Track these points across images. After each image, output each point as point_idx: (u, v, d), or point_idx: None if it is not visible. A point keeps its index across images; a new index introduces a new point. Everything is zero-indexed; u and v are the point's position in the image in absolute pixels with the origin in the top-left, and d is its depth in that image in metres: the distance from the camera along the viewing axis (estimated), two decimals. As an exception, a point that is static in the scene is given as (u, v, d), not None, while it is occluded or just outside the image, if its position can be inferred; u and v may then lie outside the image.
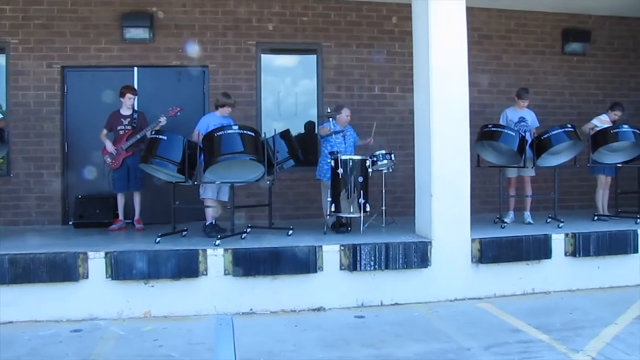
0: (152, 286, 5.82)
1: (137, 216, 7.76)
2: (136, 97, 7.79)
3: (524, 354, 4.66)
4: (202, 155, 6.40)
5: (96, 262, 5.75)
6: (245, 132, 6.33)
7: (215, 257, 5.88)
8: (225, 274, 5.88)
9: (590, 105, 9.67)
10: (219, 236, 6.28)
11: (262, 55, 9.04)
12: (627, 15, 9.93)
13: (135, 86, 8.18)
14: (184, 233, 6.80)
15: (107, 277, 5.75)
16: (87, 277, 5.74)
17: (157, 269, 5.77)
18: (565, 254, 6.73)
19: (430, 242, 6.31)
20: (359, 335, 5.21)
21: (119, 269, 5.73)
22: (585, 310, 5.90)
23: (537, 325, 5.38)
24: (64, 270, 5.68)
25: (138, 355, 4.75)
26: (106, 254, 5.76)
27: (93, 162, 8.10)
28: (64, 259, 5.69)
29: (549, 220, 7.58)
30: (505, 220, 7.68)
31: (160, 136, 6.52)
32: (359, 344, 4.95)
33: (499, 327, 5.44)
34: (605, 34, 10.07)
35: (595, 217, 7.98)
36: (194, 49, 8.59)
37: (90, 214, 8.05)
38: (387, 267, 6.13)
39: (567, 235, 6.74)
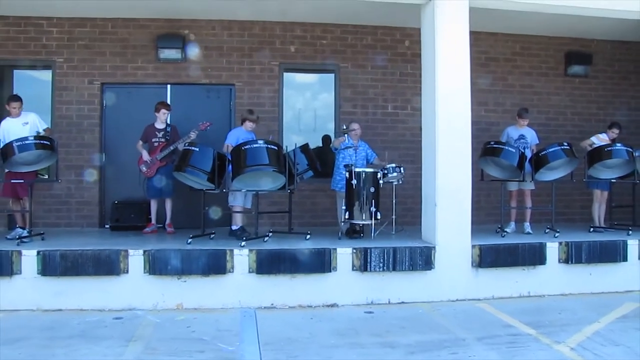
0: (185, 281, 6.54)
1: (168, 220, 8.50)
2: (170, 112, 8.53)
3: (512, 344, 5.31)
4: (230, 166, 7.14)
5: (135, 259, 6.49)
6: (269, 146, 7.10)
7: (241, 256, 6.60)
8: (249, 272, 6.60)
9: (592, 124, 10.22)
10: (244, 238, 7.00)
11: (285, 74, 9.78)
12: (628, 39, 10.49)
13: (169, 102, 8.94)
14: (212, 236, 7.53)
15: (144, 272, 6.49)
16: (127, 271, 6.48)
17: (189, 266, 6.50)
18: (559, 261, 7.35)
19: (434, 247, 6.97)
20: (368, 327, 5.90)
21: (155, 265, 6.47)
22: (574, 311, 6.52)
23: (528, 322, 6.01)
24: (108, 265, 6.43)
25: (174, 338, 5.47)
26: (144, 251, 6.51)
27: (128, 170, 8.86)
28: (108, 255, 6.44)
29: (547, 230, 8.17)
30: (507, 230, 8.30)
31: (193, 148, 7.29)
32: (368, 334, 5.64)
33: (493, 323, 6.08)
34: (607, 56, 10.67)
35: (591, 229, 8.56)
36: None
37: (126, 218, 8.81)
38: (394, 269, 6.81)
39: (560, 243, 7.37)
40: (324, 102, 10.05)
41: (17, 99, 7.67)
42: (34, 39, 9.18)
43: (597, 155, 8.37)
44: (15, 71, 9.47)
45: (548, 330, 5.73)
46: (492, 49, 10.22)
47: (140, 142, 8.42)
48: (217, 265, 6.54)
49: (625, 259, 7.51)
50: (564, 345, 5.21)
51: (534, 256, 7.26)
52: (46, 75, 9.39)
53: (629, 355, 4.96)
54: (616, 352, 5.04)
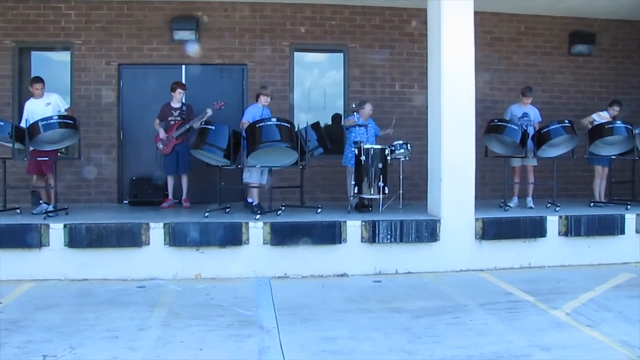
0: (203, 252, 6.93)
1: (184, 196, 8.87)
2: (185, 91, 8.85)
3: (511, 310, 5.68)
4: (245, 143, 7.49)
5: (156, 231, 6.87)
6: (282, 123, 7.45)
7: (256, 229, 6.97)
8: (264, 243, 6.97)
9: (595, 102, 10.42)
10: (259, 211, 7.37)
11: (295, 53, 10.07)
12: (631, 18, 10.68)
13: (184, 82, 9.24)
14: (227, 210, 7.89)
15: (165, 244, 6.88)
16: (148, 243, 6.87)
17: (207, 238, 6.88)
18: (559, 234, 7.68)
19: (439, 220, 7.32)
20: (376, 294, 6.28)
21: (175, 237, 6.85)
22: (571, 281, 6.86)
23: (527, 290, 6.36)
24: (130, 237, 6.82)
25: (195, 304, 5.87)
26: (165, 224, 6.89)
27: (145, 148, 9.22)
28: (130, 228, 6.83)
29: (548, 205, 8.47)
30: (510, 204, 8.63)
31: (209, 126, 7.64)
32: (375, 300, 6.02)
33: (494, 291, 6.45)
34: (610, 36, 10.88)
35: (592, 204, 8.88)
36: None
37: (144, 193, 9.18)
38: (401, 241, 7.17)
39: (560, 217, 7.70)
40: (333, 81, 10.35)
41: (40, 80, 8.00)
42: (53, 21, 9.49)
43: (598, 132, 8.65)
44: (32, 53, 9.79)
45: (546, 297, 6.07)
46: (497, 28, 10.46)
47: (157, 121, 8.75)
48: (233, 237, 6.91)
49: (622, 232, 7.83)
50: (559, 311, 5.57)
51: (535, 229, 7.59)
52: (63, 57, 9.72)
53: (619, 319, 5.31)
54: (608, 316, 5.39)
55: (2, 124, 7.52)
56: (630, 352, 4.44)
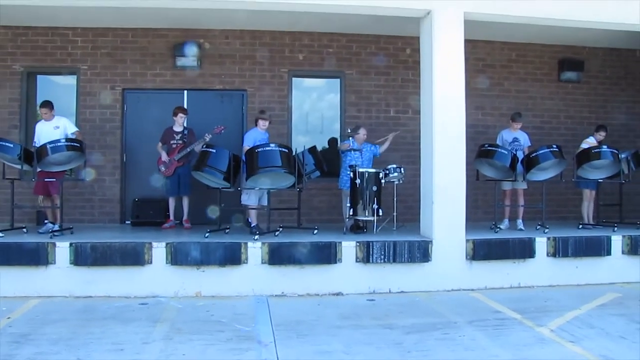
0: (203, 271, 7.19)
1: (185, 217, 9.15)
2: (186, 116, 9.17)
3: (498, 326, 5.93)
4: (244, 167, 7.79)
5: (159, 250, 7.14)
6: (280, 149, 7.76)
7: (254, 249, 7.24)
8: (262, 263, 7.24)
9: (584, 127, 10.75)
10: (257, 232, 7.65)
11: (293, 79, 10.43)
12: (618, 46, 11.08)
13: (185, 107, 9.58)
14: (227, 230, 8.16)
15: (167, 263, 7.14)
16: (151, 262, 7.13)
17: (207, 257, 7.14)
18: (547, 255, 7.95)
19: (432, 241, 7.60)
20: (369, 312, 6.54)
21: (177, 256, 7.11)
22: (558, 300, 7.11)
23: (515, 309, 6.62)
24: (133, 256, 7.08)
25: (196, 320, 6.12)
26: (167, 244, 7.16)
27: (148, 170, 9.52)
28: (134, 247, 7.10)
29: (538, 227, 8.74)
30: (500, 226, 8.91)
31: (211, 149, 7.94)
32: (369, 317, 6.28)
33: (483, 309, 6.70)
34: (598, 63, 11.27)
35: (580, 226, 9.16)
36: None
37: (146, 214, 9.46)
38: (394, 261, 7.43)
39: (549, 238, 7.97)
40: (330, 106, 10.70)
41: (47, 104, 8.30)
42: (60, 47, 9.87)
43: (585, 156, 8.97)
44: (38, 77, 10.14)
45: (533, 315, 6.33)
46: (489, 56, 10.84)
47: (160, 144, 9.06)
48: (232, 257, 7.18)
49: (609, 253, 8.10)
50: (545, 328, 5.82)
51: (524, 250, 7.87)
52: (67, 80, 10.11)
53: (600, 335, 5.57)
54: (590, 333, 5.65)
55: (12, 145, 7.84)
56: (608, 365, 4.70)
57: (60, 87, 10.28)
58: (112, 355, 4.91)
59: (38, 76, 10.11)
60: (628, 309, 6.61)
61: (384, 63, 10.48)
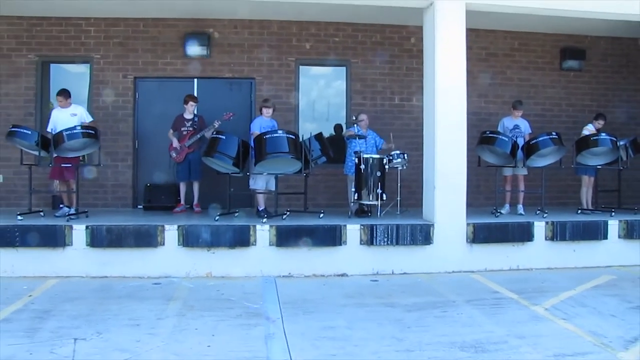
0: (213, 253, 7.50)
1: (196, 201, 9.45)
2: (197, 104, 9.45)
3: (495, 305, 6.23)
4: (253, 152, 8.08)
5: (171, 233, 7.45)
6: (288, 135, 8.05)
7: (263, 231, 7.54)
8: (270, 245, 7.54)
9: (585, 115, 10.94)
10: (265, 215, 7.95)
11: (301, 67, 10.69)
12: (619, 35, 11.24)
13: (195, 94, 9.85)
14: (236, 214, 8.46)
15: (178, 245, 7.45)
16: (163, 244, 7.44)
17: (217, 240, 7.46)
18: (546, 238, 8.22)
19: (433, 225, 7.88)
20: (373, 291, 6.84)
21: (188, 238, 7.43)
22: (555, 281, 7.39)
23: (513, 289, 6.90)
24: (147, 238, 7.40)
25: (207, 298, 6.43)
26: (179, 226, 7.47)
27: (159, 156, 9.83)
28: (147, 229, 7.41)
29: (537, 212, 9.00)
30: (501, 211, 9.17)
31: (220, 136, 8.23)
32: (372, 296, 6.58)
33: (482, 289, 7.00)
34: (600, 52, 11.45)
35: (579, 211, 9.41)
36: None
37: (157, 199, 9.78)
38: (397, 243, 7.73)
39: (547, 222, 8.24)
40: (336, 94, 10.97)
41: (61, 93, 8.57)
42: (74, 37, 10.15)
43: (584, 143, 9.21)
44: (52, 66, 10.42)
45: (529, 295, 6.61)
46: (491, 45, 11.05)
47: (171, 131, 9.36)
48: (241, 239, 7.49)
49: (605, 237, 8.36)
50: (539, 307, 6.11)
51: (523, 233, 8.14)
52: (78, 69, 10.40)
53: (592, 314, 5.85)
54: (582, 311, 5.93)
55: (30, 132, 8.15)
56: (596, 340, 4.98)
57: (70, 75, 10.54)
58: (129, 330, 5.22)
59: (52, 65, 10.37)
60: (621, 290, 6.88)
61: (388, 52, 10.70)
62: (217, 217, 7.97)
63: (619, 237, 8.43)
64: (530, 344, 4.89)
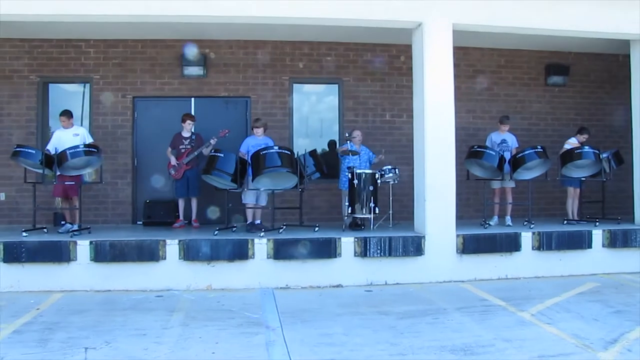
0: (213, 266, 7.78)
1: (194, 216, 9.74)
2: (194, 122, 9.76)
3: (484, 312, 6.53)
4: (250, 169, 8.39)
5: (172, 247, 7.74)
6: (283, 151, 8.39)
7: (260, 245, 7.84)
8: (267, 258, 7.84)
9: (570, 128, 11.27)
10: (263, 229, 8.26)
11: (294, 85, 11.04)
12: (602, 52, 11.65)
13: (192, 113, 10.17)
14: (234, 229, 8.75)
15: (179, 259, 7.73)
16: (165, 258, 7.72)
17: (217, 253, 7.75)
18: (532, 248, 8.55)
19: (424, 237, 8.19)
20: (367, 301, 7.14)
21: (189, 252, 7.71)
22: (541, 289, 7.70)
23: (501, 297, 7.21)
24: (149, 253, 7.68)
25: (208, 309, 6.71)
26: (179, 241, 7.76)
27: (158, 173, 10.13)
28: (149, 244, 7.70)
29: (525, 223, 9.32)
30: (490, 223, 9.49)
31: (219, 154, 8.54)
32: (366, 306, 6.87)
33: (471, 298, 7.30)
34: (583, 68, 11.86)
35: (565, 222, 9.75)
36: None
37: (156, 215, 10.04)
38: (390, 255, 8.04)
39: (534, 233, 8.57)
40: (329, 111, 11.30)
41: (64, 113, 8.90)
42: (74, 58, 10.47)
43: (569, 156, 9.56)
44: (52, 86, 10.72)
45: (516, 302, 6.92)
46: (479, 62, 11.44)
47: (170, 149, 9.66)
48: (240, 252, 7.78)
49: (590, 246, 8.71)
50: (526, 313, 6.42)
51: (511, 244, 8.47)
52: (78, 89, 10.71)
53: (575, 318, 6.17)
54: (567, 316, 6.25)
55: (34, 152, 8.44)
56: (578, 342, 5.29)
57: (68, 95, 10.81)
58: (136, 339, 5.49)
59: (52, 85, 10.66)
60: (604, 296, 7.22)
61: (379, 70, 11.06)
62: (215, 232, 8.25)
63: (603, 246, 8.78)
64: (516, 346, 5.19)
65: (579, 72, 11.84)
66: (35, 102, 10.45)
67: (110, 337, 5.55)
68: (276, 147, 8.48)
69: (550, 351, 5.06)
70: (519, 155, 9.30)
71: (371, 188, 8.76)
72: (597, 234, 8.78)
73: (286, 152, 8.46)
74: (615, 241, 8.74)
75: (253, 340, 5.49)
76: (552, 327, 5.81)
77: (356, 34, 10.33)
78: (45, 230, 8.62)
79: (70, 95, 10.83)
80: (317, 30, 9.87)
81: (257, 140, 9.15)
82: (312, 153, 8.96)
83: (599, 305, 6.72)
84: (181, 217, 9.76)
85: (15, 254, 7.51)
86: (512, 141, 9.85)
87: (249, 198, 9.03)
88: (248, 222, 9.01)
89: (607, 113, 11.85)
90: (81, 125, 10.02)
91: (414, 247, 8.11)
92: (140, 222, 10.29)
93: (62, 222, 9.08)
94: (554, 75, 11.64)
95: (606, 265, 8.70)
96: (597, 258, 8.73)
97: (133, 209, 10.57)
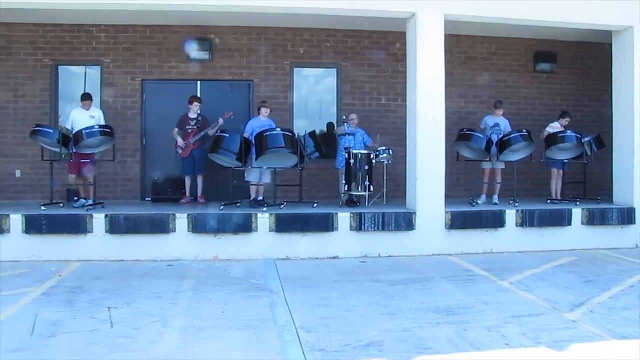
0: (219, 238, 8.41)
1: (200, 193, 10.33)
2: (201, 104, 10.32)
3: (468, 280, 7.18)
4: (254, 148, 8.98)
5: (181, 220, 8.35)
6: (285, 132, 8.99)
7: (263, 219, 8.46)
8: (270, 231, 8.47)
9: (557, 113, 11.65)
10: (265, 204, 8.88)
11: (295, 69, 11.60)
12: (588, 40, 12.17)
13: (199, 96, 10.72)
14: (238, 204, 9.35)
15: (188, 231, 8.35)
16: (175, 230, 8.34)
17: (223, 226, 8.37)
18: (516, 225, 9.18)
19: (415, 213, 8.82)
20: (361, 270, 7.79)
21: (197, 225, 8.33)
22: (522, 262, 8.32)
23: (484, 268, 7.85)
24: (160, 225, 8.30)
25: (216, 276, 7.34)
26: (188, 215, 8.37)
27: (165, 152, 10.71)
28: (160, 217, 8.31)
29: (510, 202, 9.94)
30: (477, 201, 10.11)
31: (224, 134, 9.12)
32: (361, 274, 7.52)
33: (458, 268, 7.95)
34: (570, 55, 12.41)
35: (548, 201, 10.38)
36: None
37: (164, 191, 10.65)
38: (383, 229, 8.67)
39: (517, 210, 9.20)
40: (328, 94, 11.86)
41: (86, 97, 9.48)
42: (86, 42, 10.99)
43: (553, 140, 10.16)
44: (64, 68, 11.26)
45: (498, 273, 7.56)
46: (471, 49, 11.99)
47: (176, 129, 10.19)
48: (244, 226, 8.41)
49: (570, 223, 9.34)
50: (505, 281, 7.07)
51: (495, 220, 9.11)
52: (85, 71, 11.24)
53: (550, 286, 6.81)
54: (542, 284, 6.89)
55: (52, 131, 9.02)
56: (549, 305, 5.94)
57: (77, 77, 11.32)
58: (153, 300, 6.11)
59: (64, 68, 11.19)
60: (579, 268, 7.87)
61: (376, 55, 11.62)
62: (221, 207, 8.86)
63: (582, 223, 9.41)
64: (493, 308, 5.84)
65: (566, 60, 12.39)
66: (48, 84, 10.98)
67: (129, 298, 6.18)
68: (279, 129, 9.08)
69: (523, 312, 5.70)
70: (506, 137, 9.89)
71: (366, 167, 9.35)
72: (577, 212, 9.41)
73: (288, 133, 9.06)
74: (593, 219, 9.38)
75: (258, 302, 6.12)
76: (528, 293, 6.45)
77: (354, 22, 10.83)
78: (61, 204, 9.22)
79: (80, 77, 11.34)
80: (316, 17, 10.34)
81: (261, 121, 9.70)
82: (312, 134, 9.56)
83: (573, 276, 7.37)
84: (187, 194, 10.35)
85: (37, 226, 8.13)
86: (505, 125, 10.40)
87: (252, 176, 9.61)
88: (251, 199, 9.59)
89: (593, 99, 12.41)
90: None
91: (406, 222, 8.74)
92: (149, 199, 10.88)
93: (75, 198, 9.66)
94: (542, 62, 12.20)
95: (584, 241, 9.34)
96: (576, 234, 9.37)
97: (141, 186, 11.17)
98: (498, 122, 10.38)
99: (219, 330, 5.13)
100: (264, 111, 9.77)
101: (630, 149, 9.75)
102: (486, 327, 5.19)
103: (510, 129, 10.42)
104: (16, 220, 8.14)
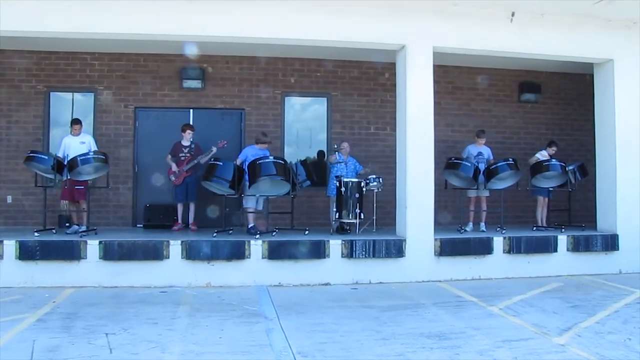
0: (213, 265, 8.50)
1: (192, 220, 10.43)
2: (194, 132, 10.47)
3: (457, 306, 7.32)
4: (247, 176, 9.13)
5: (175, 247, 8.44)
6: (277, 160, 9.17)
7: (256, 246, 8.58)
8: (262, 258, 8.57)
9: (541, 142, 12.06)
10: (258, 232, 8.99)
11: (286, 98, 11.82)
12: (571, 72, 12.53)
13: (191, 124, 10.88)
14: (231, 231, 9.47)
15: (182, 258, 8.43)
16: (169, 257, 8.42)
17: (216, 253, 8.47)
18: (503, 252, 9.37)
19: (405, 240, 8.98)
20: (353, 296, 7.91)
21: (190, 252, 8.42)
22: (510, 288, 8.50)
23: (473, 294, 8.01)
24: (154, 252, 8.38)
25: (210, 303, 7.42)
26: (182, 242, 8.46)
27: (157, 179, 10.83)
28: (155, 244, 8.40)
29: (497, 229, 10.14)
30: (465, 228, 10.30)
31: (218, 162, 9.26)
32: (353, 300, 7.64)
33: (447, 295, 8.09)
34: (554, 86, 12.79)
35: (534, 228, 10.60)
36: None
37: (156, 218, 10.73)
38: (374, 256, 8.82)
39: (505, 238, 9.40)
40: (318, 123, 12.07)
41: (76, 122, 9.62)
42: (80, 70, 11.16)
43: (538, 168, 10.43)
44: (58, 95, 11.38)
45: (487, 299, 7.72)
46: (457, 79, 12.30)
47: (169, 156, 10.33)
48: (237, 252, 8.51)
49: (555, 250, 9.55)
50: (495, 307, 7.22)
51: (483, 247, 9.29)
52: (78, 98, 11.38)
53: (537, 311, 6.98)
54: (530, 310, 7.06)
55: (47, 157, 9.13)
56: (537, 330, 6.10)
57: (69, 103, 11.44)
58: (149, 327, 6.18)
59: (58, 94, 11.30)
60: (565, 294, 8.05)
61: (365, 85, 11.88)
62: (214, 234, 8.97)
63: (567, 250, 9.62)
64: (484, 333, 5.99)
65: (550, 90, 12.75)
66: (42, 110, 11.11)
67: (126, 324, 6.24)
68: (272, 157, 9.25)
69: (513, 337, 5.86)
70: (493, 166, 10.14)
71: (357, 195, 9.53)
72: (562, 239, 9.63)
73: (280, 161, 9.25)
74: (578, 246, 9.60)
75: (254, 328, 6.22)
76: (517, 319, 6.61)
77: (344, 52, 11.08)
78: (53, 231, 9.28)
79: (72, 104, 11.45)
80: (307, 49, 10.59)
81: (256, 150, 9.85)
82: (303, 162, 9.76)
83: (559, 301, 7.55)
84: (179, 221, 10.44)
85: (30, 253, 8.17)
86: (487, 153, 10.68)
87: (250, 203, 9.74)
88: (250, 226, 9.64)
89: (576, 128, 12.76)
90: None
91: (396, 249, 8.89)
92: (141, 225, 10.95)
93: (67, 224, 9.72)
94: (526, 92, 12.56)
95: (570, 268, 9.54)
96: (562, 261, 9.57)
97: (133, 213, 11.25)
98: (481, 151, 10.64)
99: (218, 356, 5.23)
100: (263, 145, 9.91)
101: (612, 178, 10.01)
102: (478, 352, 5.34)
103: (492, 157, 10.68)
104: (10, 246, 8.18)
